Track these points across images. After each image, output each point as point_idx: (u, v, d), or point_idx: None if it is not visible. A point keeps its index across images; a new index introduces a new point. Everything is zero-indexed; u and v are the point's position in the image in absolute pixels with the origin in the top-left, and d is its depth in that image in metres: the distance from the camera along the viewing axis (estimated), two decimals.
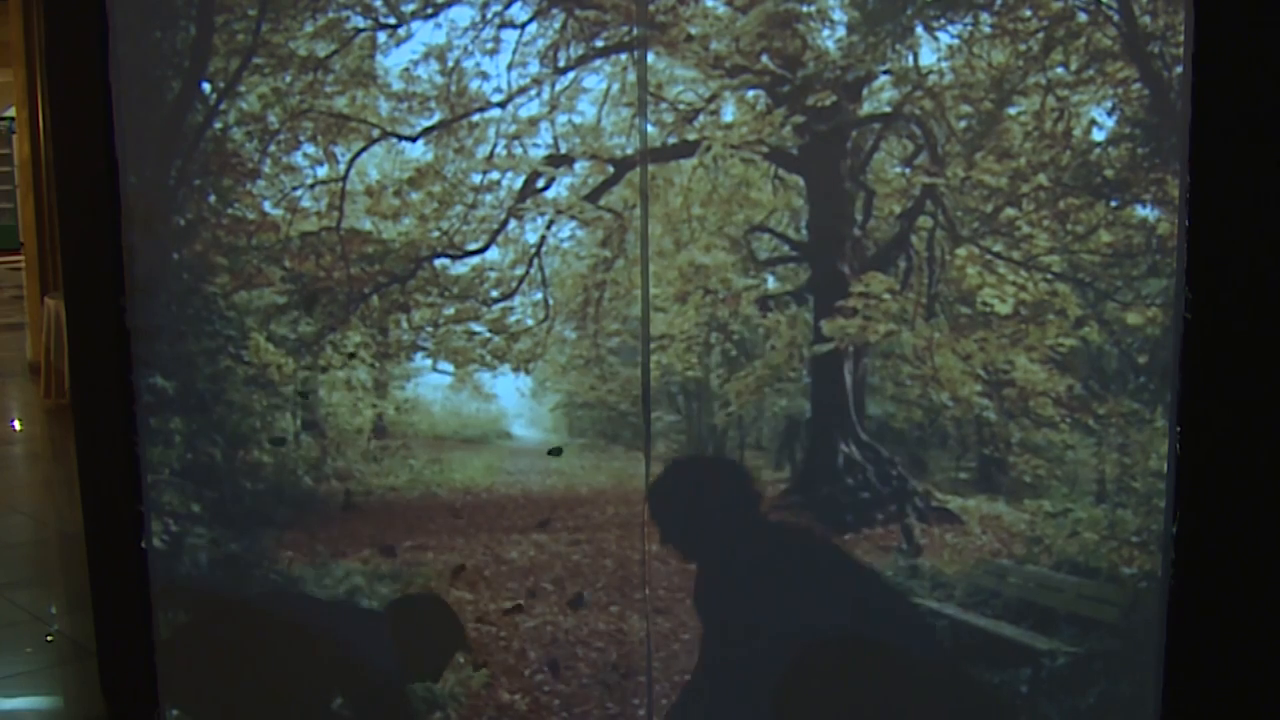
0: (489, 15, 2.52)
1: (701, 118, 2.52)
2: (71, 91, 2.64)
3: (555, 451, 2.52)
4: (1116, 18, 2.34)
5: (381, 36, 2.56)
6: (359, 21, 2.56)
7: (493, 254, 2.62)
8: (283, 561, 2.72)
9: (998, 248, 2.46)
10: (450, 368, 2.67)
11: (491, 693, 2.70)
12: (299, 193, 2.60)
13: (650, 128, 2.51)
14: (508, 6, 2.51)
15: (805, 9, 2.45)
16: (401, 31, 2.55)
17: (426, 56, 2.56)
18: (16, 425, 7.86)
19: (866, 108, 2.48)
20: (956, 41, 2.41)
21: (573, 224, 2.60)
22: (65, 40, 2.64)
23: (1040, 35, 2.38)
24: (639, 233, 2.54)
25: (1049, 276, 2.44)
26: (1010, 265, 2.46)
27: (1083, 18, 2.35)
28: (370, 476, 2.68)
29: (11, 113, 9.56)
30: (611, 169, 2.55)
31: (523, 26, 2.53)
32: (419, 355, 2.66)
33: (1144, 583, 2.44)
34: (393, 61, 2.56)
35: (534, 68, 2.53)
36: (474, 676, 2.69)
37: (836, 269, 2.55)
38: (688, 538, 2.61)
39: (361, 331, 2.66)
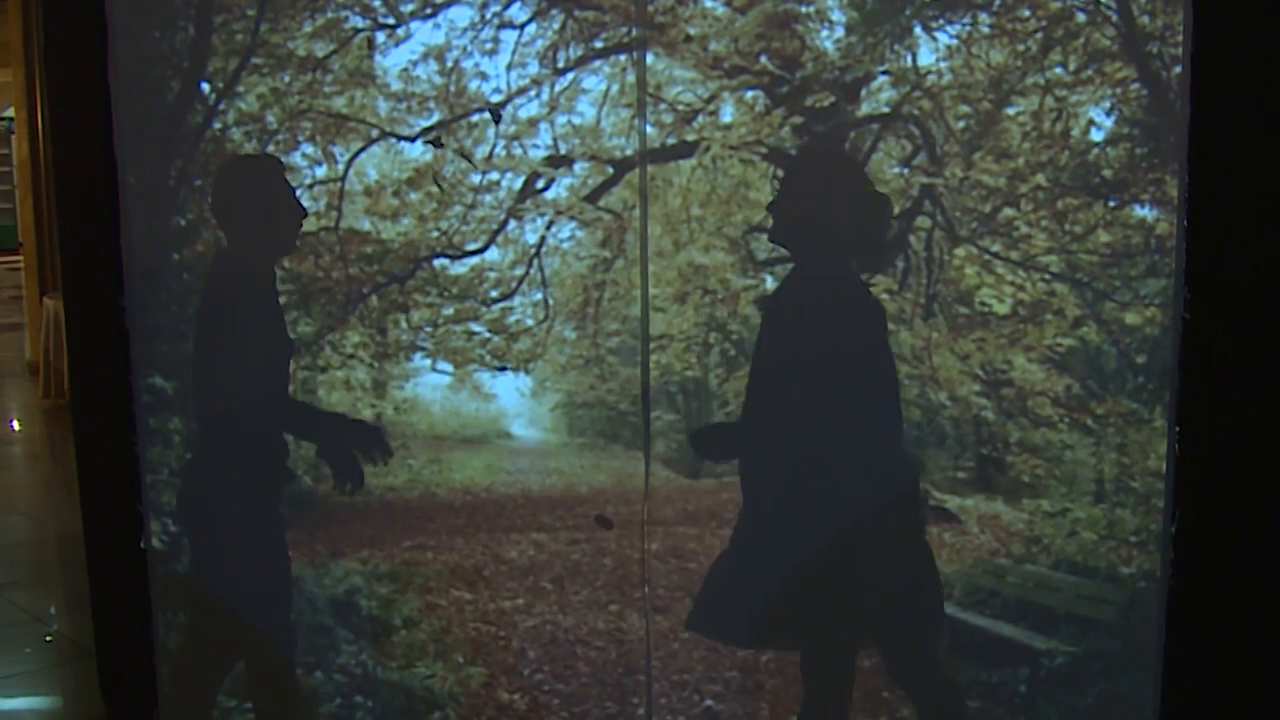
0: (488, 16, 2.52)
1: (700, 118, 2.52)
2: (71, 91, 2.64)
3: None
4: (1115, 18, 2.34)
5: (380, 36, 2.56)
6: (358, 21, 2.56)
7: (492, 254, 2.62)
8: None
9: (996, 248, 2.46)
10: (450, 368, 2.67)
11: (491, 692, 2.70)
12: (298, 193, 2.60)
13: (649, 128, 2.51)
14: (507, 7, 2.52)
15: (804, 9, 2.45)
16: (400, 32, 2.55)
17: (425, 57, 2.56)
18: (16, 425, 7.86)
19: (865, 108, 2.48)
20: (955, 42, 2.41)
21: (572, 224, 2.60)
22: (65, 40, 2.64)
23: (1039, 35, 2.38)
24: (638, 233, 2.55)
25: (1047, 276, 2.44)
26: (1008, 265, 2.46)
27: (1081, 18, 2.35)
28: (370, 476, 2.68)
29: (11, 113, 9.55)
30: (611, 170, 2.55)
31: (522, 27, 2.53)
32: (418, 355, 2.66)
33: (1143, 582, 2.44)
34: (391, 62, 2.56)
35: (533, 68, 2.53)
36: (473, 675, 2.70)
37: None
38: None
39: (360, 331, 2.66)
